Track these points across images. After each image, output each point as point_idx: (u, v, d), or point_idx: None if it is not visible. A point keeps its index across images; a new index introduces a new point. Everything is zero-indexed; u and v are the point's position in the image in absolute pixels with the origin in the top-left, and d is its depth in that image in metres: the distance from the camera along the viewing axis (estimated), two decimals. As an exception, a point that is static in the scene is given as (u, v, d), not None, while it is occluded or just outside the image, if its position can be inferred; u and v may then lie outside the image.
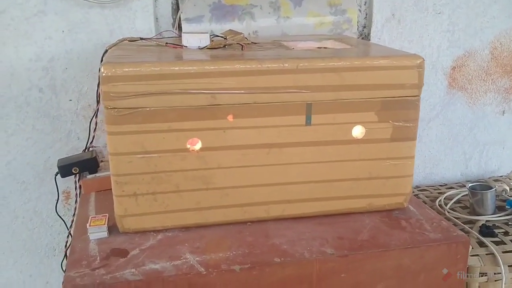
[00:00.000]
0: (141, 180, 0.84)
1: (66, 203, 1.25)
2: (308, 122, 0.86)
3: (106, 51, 0.96)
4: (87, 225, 0.86)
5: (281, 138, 0.86)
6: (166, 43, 0.98)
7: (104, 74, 0.79)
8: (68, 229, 1.12)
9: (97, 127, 1.09)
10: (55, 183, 1.08)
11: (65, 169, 1.03)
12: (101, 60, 1.00)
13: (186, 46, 0.96)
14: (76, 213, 1.07)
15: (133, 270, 0.77)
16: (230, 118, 0.84)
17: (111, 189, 0.98)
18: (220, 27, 1.19)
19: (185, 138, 0.84)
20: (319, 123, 0.87)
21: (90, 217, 0.88)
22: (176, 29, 1.20)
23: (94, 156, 1.05)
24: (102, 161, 1.11)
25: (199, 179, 0.86)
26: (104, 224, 0.86)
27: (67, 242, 1.11)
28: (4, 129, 1.17)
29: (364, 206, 0.93)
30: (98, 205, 0.98)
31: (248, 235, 0.86)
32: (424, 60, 0.87)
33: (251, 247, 0.83)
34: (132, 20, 1.16)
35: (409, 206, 0.95)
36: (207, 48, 0.95)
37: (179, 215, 0.87)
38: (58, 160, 1.07)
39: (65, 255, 1.13)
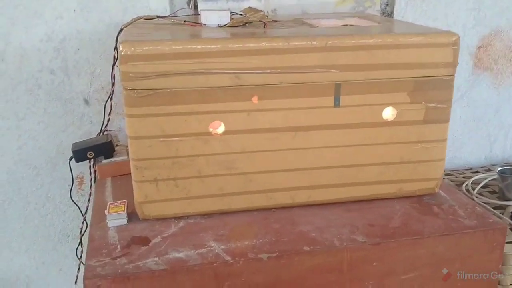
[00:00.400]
0: (162, 165, 0.80)
1: (79, 188, 1.21)
2: (336, 103, 0.82)
3: (121, 30, 0.92)
4: (106, 211, 0.82)
5: (308, 121, 0.82)
6: (185, 21, 0.93)
7: (123, 53, 0.74)
8: (83, 216, 1.08)
9: (112, 110, 1.04)
10: (69, 168, 1.05)
11: (79, 154, 0.99)
12: (116, 40, 0.96)
13: (205, 24, 0.91)
14: (91, 199, 1.04)
15: (156, 259, 0.73)
16: (254, 99, 0.79)
17: (127, 174, 0.95)
18: (238, 5, 1.14)
19: (207, 121, 0.79)
20: (348, 104, 0.82)
21: (108, 203, 0.84)
22: (191, 7, 1.15)
23: (109, 140, 1.01)
24: (117, 145, 1.07)
25: (222, 164, 0.82)
26: (124, 210, 0.82)
27: (81, 229, 1.08)
28: (15, 113, 1.13)
29: (393, 191, 0.88)
30: (115, 190, 0.94)
31: (274, 222, 0.82)
32: (459, 37, 0.82)
33: (278, 234, 0.79)
34: (146, -2, 1.11)
35: (440, 191, 0.91)
36: (228, 26, 0.91)
37: (201, 201, 0.83)
38: (72, 144, 1.03)
39: (80, 242, 1.10)
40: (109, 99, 1.03)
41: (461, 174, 1.31)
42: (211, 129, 0.80)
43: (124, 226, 0.81)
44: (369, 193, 0.88)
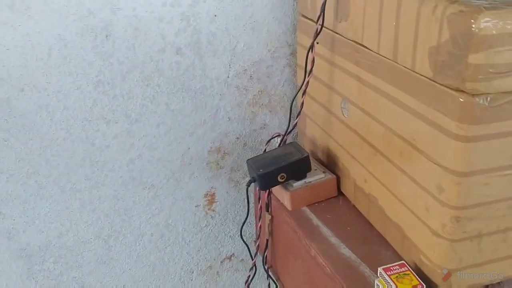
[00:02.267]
0: (494, 212, 0.50)
1: (209, 209, 0.88)
2: None
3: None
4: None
5: None
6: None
7: (482, 33, 0.41)
8: (252, 259, 0.76)
9: (302, 109, 0.70)
10: (246, 195, 0.71)
11: (268, 178, 0.66)
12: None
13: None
14: (267, 238, 0.72)
15: None
16: None
17: (324, 200, 0.66)
18: None
19: None
20: None
21: (381, 270, 0.53)
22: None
23: (305, 155, 0.68)
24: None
25: None
26: (421, 284, 0.51)
27: (248, 277, 0.76)
28: (125, 113, 0.78)
29: None
30: (341, 233, 0.63)
31: None
32: None
33: None
34: None
35: None
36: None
37: (529, 257, 0.54)
38: (248, 162, 0.69)
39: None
40: (301, 92, 0.69)
41: None
42: None
43: (425, 309, 0.51)
44: None
